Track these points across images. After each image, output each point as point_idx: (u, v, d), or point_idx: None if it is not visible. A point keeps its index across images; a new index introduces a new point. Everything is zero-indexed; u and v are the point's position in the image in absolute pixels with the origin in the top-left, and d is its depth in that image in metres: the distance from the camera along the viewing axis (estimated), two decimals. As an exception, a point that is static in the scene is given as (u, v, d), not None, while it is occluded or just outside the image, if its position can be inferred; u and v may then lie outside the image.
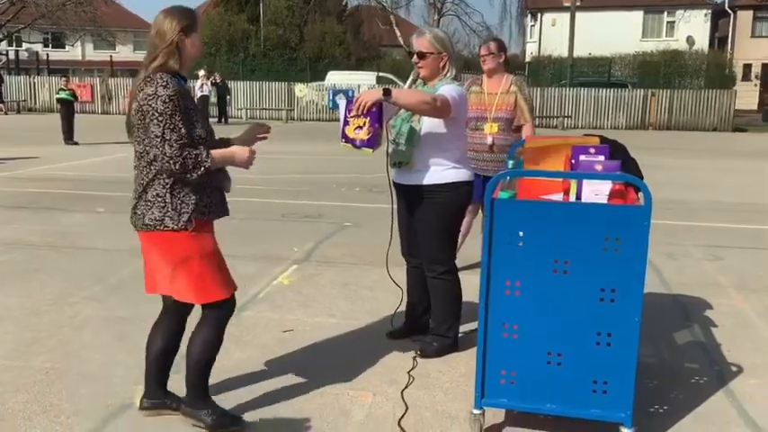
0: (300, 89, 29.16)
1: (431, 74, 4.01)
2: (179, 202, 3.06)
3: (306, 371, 3.92)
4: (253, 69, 36.72)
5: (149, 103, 2.95)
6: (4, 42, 41.45)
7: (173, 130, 2.94)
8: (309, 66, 34.35)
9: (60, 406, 3.50)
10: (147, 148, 3.02)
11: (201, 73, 25.16)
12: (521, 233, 3.01)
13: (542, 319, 3.04)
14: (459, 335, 4.28)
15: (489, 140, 5.50)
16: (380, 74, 31.05)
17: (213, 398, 3.36)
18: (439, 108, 3.73)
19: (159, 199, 3.05)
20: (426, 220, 4.02)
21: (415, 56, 4.01)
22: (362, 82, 28.08)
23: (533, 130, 5.58)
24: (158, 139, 2.94)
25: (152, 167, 3.04)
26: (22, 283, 5.54)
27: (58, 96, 18.02)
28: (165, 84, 2.95)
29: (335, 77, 29.80)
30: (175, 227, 3.05)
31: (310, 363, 4.05)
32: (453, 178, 3.97)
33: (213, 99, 26.12)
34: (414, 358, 4.12)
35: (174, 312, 3.38)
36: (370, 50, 43.72)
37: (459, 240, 5.15)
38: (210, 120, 24.77)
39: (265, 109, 29.29)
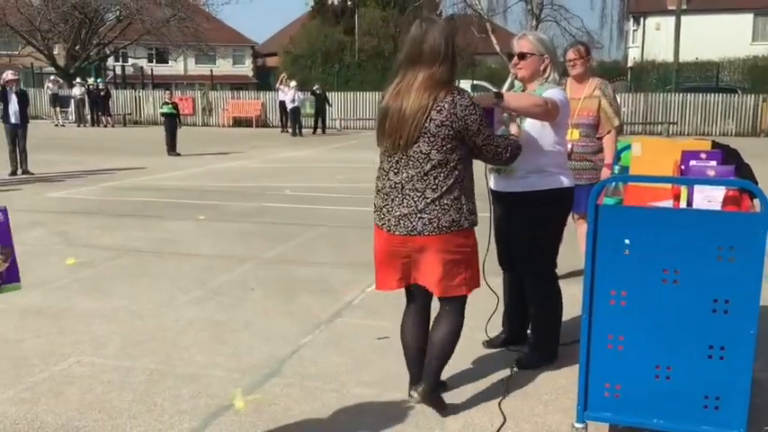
0: (394, 99, 29.25)
1: (530, 76, 3.91)
2: (470, 203, 3.30)
3: (401, 378, 3.88)
4: (347, 80, 37.23)
5: (472, 112, 3.20)
6: (112, 58, 43.54)
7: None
8: (403, 75, 34.48)
9: (163, 405, 3.60)
10: (449, 156, 3.19)
11: (293, 84, 25.64)
12: (627, 241, 2.89)
13: (650, 331, 2.91)
14: (559, 346, 4.16)
15: (568, 147, 5.34)
16: (475, 82, 30.89)
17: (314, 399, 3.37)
18: (550, 111, 3.66)
19: (456, 202, 3.23)
20: (526, 228, 3.93)
21: (516, 57, 3.92)
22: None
23: (615, 139, 5.31)
24: (491, 137, 3.29)
25: (453, 173, 3.22)
26: (128, 287, 5.74)
27: (161, 111, 18.73)
28: (469, 93, 3.25)
29: (429, 86, 29.76)
30: (469, 226, 3.30)
31: (405, 370, 4.02)
32: (555, 185, 3.86)
33: (310, 110, 26.56)
34: (511, 369, 4.03)
35: (424, 307, 3.56)
36: (464, 58, 43.57)
37: None
38: (305, 131, 25.38)
39: (359, 119, 29.59)
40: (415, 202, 3.21)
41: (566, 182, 3.91)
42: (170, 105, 18.28)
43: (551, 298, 4.06)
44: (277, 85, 28.01)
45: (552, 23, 37.54)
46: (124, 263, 6.53)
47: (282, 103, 26.27)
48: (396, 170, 3.26)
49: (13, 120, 13.14)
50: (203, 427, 3.38)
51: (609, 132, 5.35)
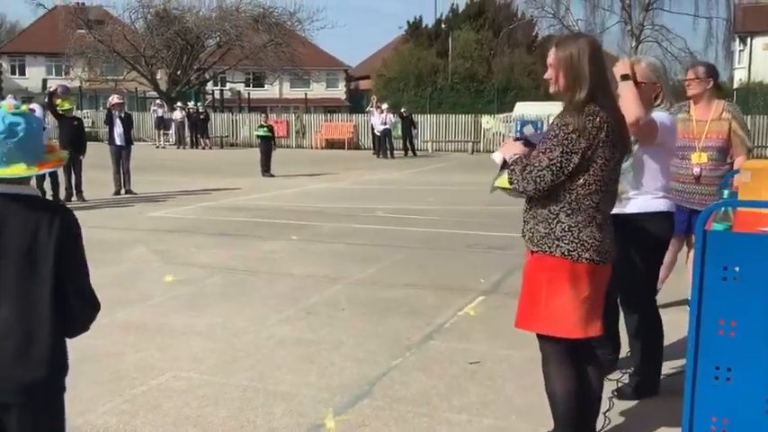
0: (487, 121, 29.17)
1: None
2: None
3: (493, 405, 3.80)
4: (440, 102, 37.26)
5: None
6: (210, 82, 45.12)
7: None
8: (497, 97, 34.33)
9: (256, 422, 3.63)
10: None
11: (384, 106, 25.85)
12: (737, 268, 2.74)
13: (762, 363, 2.73)
14: (662, 377, 3.98)
15: (697, 171, 5.12)
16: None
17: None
18: (642, 131, 3.52)
19: None
20: (625, 252, 3.78)
21: None
22: (552, 113, 27.55)
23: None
24: None
25: None
26: (224, 304, 5.86)
27: (257, 133, 19.22)
28: None
29: (524, 108, 29.44)
30: None
31: (497, 397, 3.93)
32: (655, 208, 3.71)
33: (398, 133, 26.69)
34: (610, 399, 3.87)
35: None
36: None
37: (663, 274, 4.79)
38: (397, 153, 25.53)
39: (451, 141, 29.57)
40: (610, 226, 3.11)
41: (665, 205, 3.75)
42: (265, 128, 18.74)
43: (648, 326, 3.89)
44: (368, 108, 28.38)
45: (653, 44, 36.33)
46: (219, 281, 6.67)
47: (374, 126, 26.54)
48: (605, 200, 3.07)
49: (118, 142, 13.74)
50: (294, 447, 3.39)
51: (743, 156, 5.14)
